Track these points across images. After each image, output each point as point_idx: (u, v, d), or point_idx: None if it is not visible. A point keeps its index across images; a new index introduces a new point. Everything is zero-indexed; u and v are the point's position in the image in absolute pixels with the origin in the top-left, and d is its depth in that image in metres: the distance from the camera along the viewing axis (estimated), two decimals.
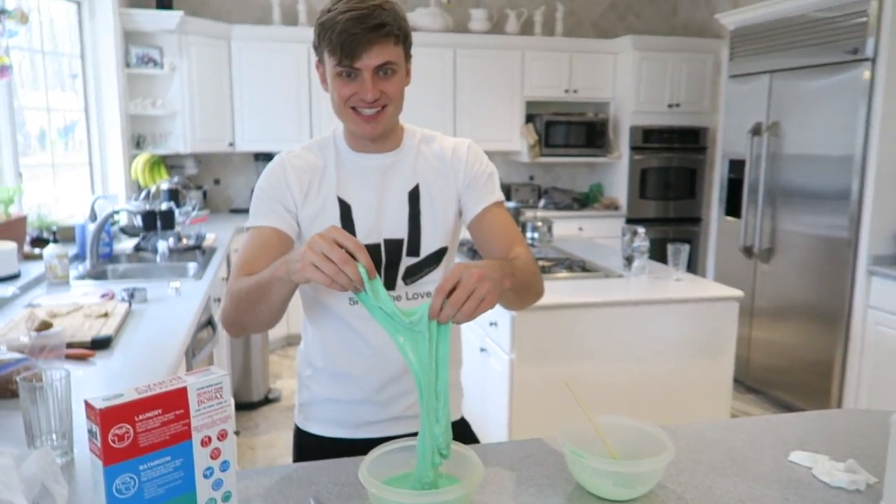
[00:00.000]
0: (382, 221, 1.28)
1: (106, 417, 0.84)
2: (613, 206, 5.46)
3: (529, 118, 5.39)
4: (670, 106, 5.29)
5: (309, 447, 1.39)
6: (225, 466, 0.96)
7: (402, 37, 1.20)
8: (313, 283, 1.28)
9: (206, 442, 0.94)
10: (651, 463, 1.01)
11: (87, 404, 0.85)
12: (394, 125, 1.30)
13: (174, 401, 0.90)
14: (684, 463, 1.17)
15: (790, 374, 3.81)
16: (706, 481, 1.11)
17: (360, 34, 1.14)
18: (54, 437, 1.15)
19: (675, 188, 5.40)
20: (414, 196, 1.30)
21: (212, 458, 0.94)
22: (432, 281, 1.31)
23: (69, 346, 1.69)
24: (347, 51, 1.15)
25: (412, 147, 1.33)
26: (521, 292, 1.21)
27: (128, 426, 0.86)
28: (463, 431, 1.45)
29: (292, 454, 1.46)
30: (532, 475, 1.12)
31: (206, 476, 0.94)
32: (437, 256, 1.31)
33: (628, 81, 5.24)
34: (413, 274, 1.30)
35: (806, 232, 3.68)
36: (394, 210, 1.29)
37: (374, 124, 1.23)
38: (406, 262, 1.29)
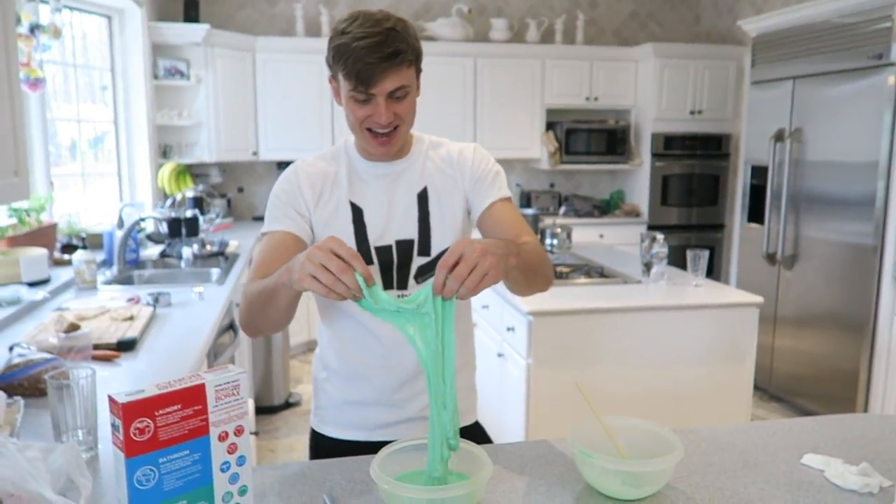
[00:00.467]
0: (393, 223, 1.32)
1: (128, 411, 0.88)
2: (635, 213, 5.44)
3: (550, 126, 5.40)
4: (692, 113, 5.27)
5: (325, 449, 1.42)
6: (241, 461, 0.99)
7: (415, 58, 1.24)
8: None
9: (223, 437, 0.97)
10: (659, 463, 1.02)
11: (111, 399, 0.89)
12: (406, 139, 1.35)
13: (193, 397, 0.94)
14: (695, 464, 1.17)
15: (814, 382, 3.76)
16: (717, 483, 1.11)
17: (374, 63, 1.17)
18: (80, 433, 1.19)
19: (697, 195, 5.37)
20: (423, 198, 1.34)
21: (228, 452, 0.97)
22: None
23: (96, 347, 1.74)
24: (363, 78, 1.19)
25: (421, 153, 1.38)
26: (528, 273, 1.22)
27: (148, 420, 0.89)
28: (477, 434, 1.46)
29: (308, 456, 1.49)
30: (542, 474, 1.13)
31: (223, 470, 0.97)
32: None
33: (650, 89, 5.23)
34: (424, 273, 1.33)
35: (830, 239, 3.64)
36: (404, 212, 1.33)
37: (389, 146, 1.28)
38: (418, 261, 1.33)
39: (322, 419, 1.44)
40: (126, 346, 1.84)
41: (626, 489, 1.03)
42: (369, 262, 1.31)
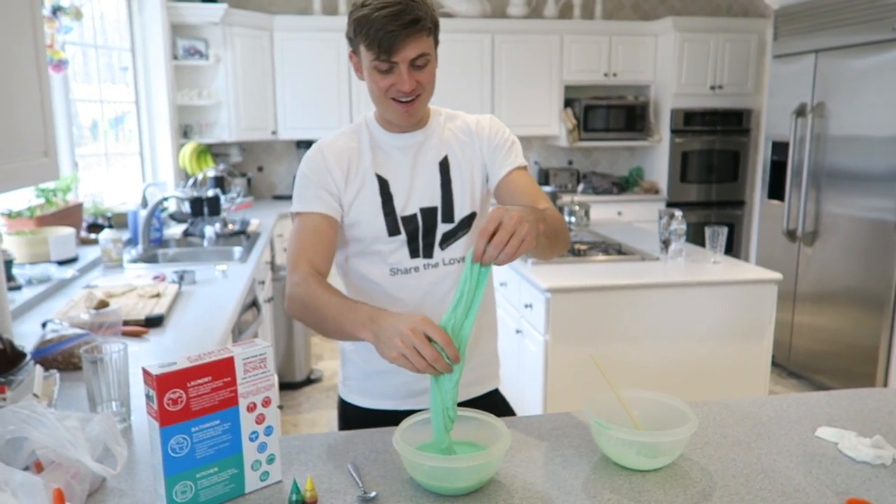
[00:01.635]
0: (416, 192, 1.37)
1: (162, 383, 0.92)
2: (653, 190, 5.40)
3: (568, 103, 5.36)
4: (713, 88, 5.20)
5: (353, 418, 1.47)
6: (269, 431, 1.03)
7: (433, 27, 1.28)
8: (355, 255, 1.39)
9: (251, 408, 1.01)
10: (674, 434, 1.05)
11: (145, 371, 0.93)
12: (426, 110, 1.39)
13: (222, 369, 0.98)
14: (710, 436, 1.20)
15: (833, 359, 3.75)
16: (730, 454, 1.13)
17: (396, 31, 1.20)
18: (114, 405, 1.24)
19: (718, 171, 5.32)
20: (444, 166, 1.39)
21: (257, 422, 1.02)
22: (464, 245, 1.39)
23: (125, 323, 1.80)
24: (385, 46, 1.22)
25: (438, 125, 1.42)
26: (552, 238, 1.26)
27: (181, 391, 0.94)
28: (498, 402, 1.50)
29: (337, 425, 1.54)
30: (559, 446, 1.16)
31: (251, 439, 1.01)
32: (469, 221, 1.40)
33: (669, 64, 5.16)
34: (448, 239, 1.38)
35: (851, 215, 3.60)
36: (427, 181, 1.37)
37: (412, 112, 1.32)
38: (442, 228, 1.38)
39: (350, 389, 1.49)
40: (154, 322, 1.89)
41: (642, 459, 1.06)
42: (397, 232, 1.35)
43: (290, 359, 3.81)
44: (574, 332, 2.58)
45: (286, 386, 3.80)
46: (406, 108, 1.30)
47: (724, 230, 2.81)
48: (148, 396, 0.94)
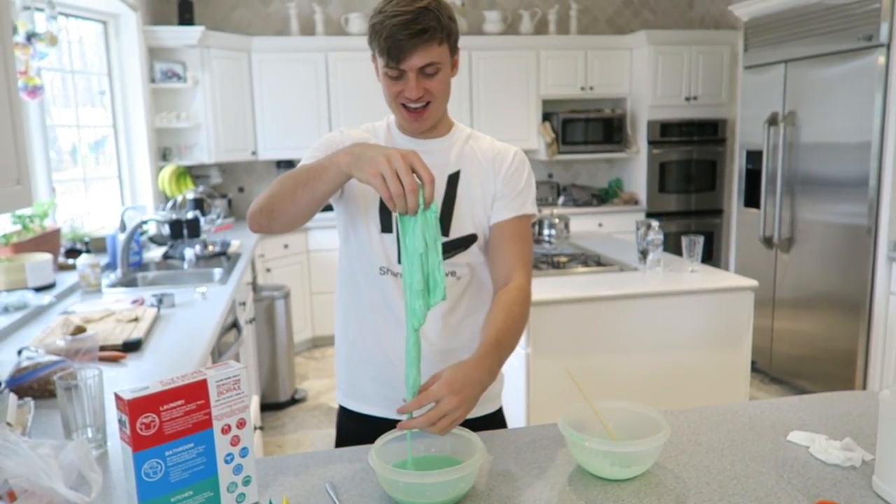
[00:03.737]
0: None
1: (134, 407, 0.92)
2: (633, 201, 5.46)
3: (546, 117, 5.42)
4: (688, 99, 5.29)
5: (346, 422, 1.49)
6: (244, 453, 1.03)
7: (447, 35, 1.28)
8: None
9: (226, 430, 1.01)
10: (647, 443, 1.06)
11: (117, 396, 0.93)
12: (441, 116, 1.39)
13: (196, 392, 0.98)
14: (684, 444, 1.21)
15: (813, 363, 3.79)
16: (704, 461, 1.15)
17: (404, 40, 1.23)
18: (89, 431, 1.23)
19: (695, 181, 5.39)
20: (453, 180, 1.38)
21: (232, 444, 1.02)
22: (457, 264, 1.38)
23: (102, 348, 1.78)
24: (394, 55, 1.25)
25: (459, 140, 1.42)
26: (506, 356, 1.27)
27: (154, 415, 0.94)
28: (497, 425, 1.49)
29: (336, 432, 1.55)
30: (536, 458, 1.17)
31: (227, 461, 1.01)
32: (466, 242, 1.38)
33: (644, 76, 5.24)
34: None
35: (825, 220, 3.67)
36: None
37: (421, 120, 1.34)
38: None
39: (343, 392, 1.50)
40: (131, 346, 1.88)
41: (616, 469, 1.07)
42: (389, 229, 1.36)
43: (274, 379, 3.79)
44: (555, 344, 2.60)
45: (270, 406, 3.77)
46: (414, 114, 1.32)
47: (701, 239, 2.85)
48: (120, 421, 0.94)
